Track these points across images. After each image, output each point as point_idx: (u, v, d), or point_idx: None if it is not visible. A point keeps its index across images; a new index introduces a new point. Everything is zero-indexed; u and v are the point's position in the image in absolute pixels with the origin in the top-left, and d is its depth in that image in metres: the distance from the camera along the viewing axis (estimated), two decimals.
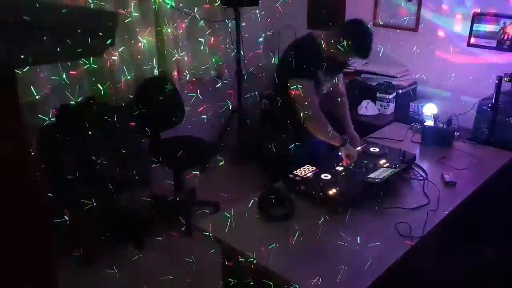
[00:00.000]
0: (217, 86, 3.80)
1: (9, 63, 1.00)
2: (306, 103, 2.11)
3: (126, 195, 2.96)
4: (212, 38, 3.72)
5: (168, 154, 3.10)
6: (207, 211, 3.12)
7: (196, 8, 3.52)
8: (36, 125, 2.59)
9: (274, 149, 2.27)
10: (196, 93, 3.64)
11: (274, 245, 1.62)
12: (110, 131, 2.73)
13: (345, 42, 2.04)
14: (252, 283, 1.64)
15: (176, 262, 2.69)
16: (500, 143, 2.56)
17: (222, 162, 3.46)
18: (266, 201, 1.85)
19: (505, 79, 2.69)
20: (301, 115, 2.13)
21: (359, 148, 2.31)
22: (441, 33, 3.30)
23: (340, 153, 2.17)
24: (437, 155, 2.41)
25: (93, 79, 3.00)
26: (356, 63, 3.66)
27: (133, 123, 2.91)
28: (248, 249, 1.62)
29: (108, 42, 1.14)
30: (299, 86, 2.09)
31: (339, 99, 2.46)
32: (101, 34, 1.11)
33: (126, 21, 3.06)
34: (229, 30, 3.73)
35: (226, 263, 1.77)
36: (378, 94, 3.39)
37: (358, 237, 1.68)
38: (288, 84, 2.13)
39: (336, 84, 2.44)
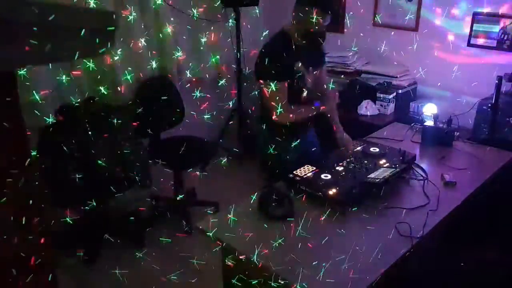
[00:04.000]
0: (217, 86, 3.80)
1: (9, 63, 1.00)
2: (275, 106, 2.13)
3: (126, 195, 2.96)
4: (212, 38, 3.72)
5: (168, 154, 3.10)
6: (207, 211, 3.13)
7: (196, 8, 3.52)
8: (36, 125, 2.59)
9: (271, 149, 2.27)
10: (196, 93, 3.64)
11: (274, 245, 1.63)
12: (110, 131, 2.73)
13: (309, 9, 2.06)
14: (252, 283, 1.64)
15: (176, 262, 2.69)
16: (500, 143, 2.56)
17: (224, 161, 3.47)
18: (266, 201, 1.85)
19: (505, 79, 2.69)
20: (274, 117, 2.15)
21: (359, 148, 2.31)
22: (441, 33, 3.30)
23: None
24: (437, 155, 2.41)
25: (93, 79, 3.00)
26: (356, 63, 3.66)
27: (133, 123, 2.91)
28: (248, 249, 1.62)
29: (108, 42, 1.14)
30: (268, 88, 2.11)
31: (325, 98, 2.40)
32: (100, 34, 1.11)
33: (126, 21, 3.07)
34: (229, 30, 3.73)
35: (226, 263, 1.77)
36: (378, 94, 3.39)
37: (358, 237, 1.68)
38: (261, 86, 2.16)
39: (319, 78, 2.41)
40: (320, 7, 2.07)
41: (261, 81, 2.15)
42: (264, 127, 2.31)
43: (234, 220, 1.78)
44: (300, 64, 2.20)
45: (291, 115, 2.17)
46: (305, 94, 2.28)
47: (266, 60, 2.11)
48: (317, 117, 2.38)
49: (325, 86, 2.46)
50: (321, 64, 2.42)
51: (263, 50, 2.20)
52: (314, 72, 2.34)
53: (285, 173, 2.07)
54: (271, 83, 2.10)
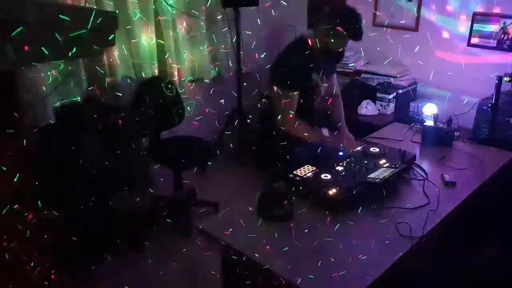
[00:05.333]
0: (217, 86, 3.80)
1: (9, 63, 1.00)
2: (283, 114, 2.18)
3: (126, 195, 2.96)
4: (212, 38, 3.72)
5: (168, 154, 3.10)
6: (207, 211, 3.13)
7: (196, 8, 3.52)
8: (36, 125, 2.59)
9: (270, 150, 2.29)
10: (196, 93, 3.64)
11: (274, 245, 1.63)
12: (110, 131, 2.73)
13: (337, 29, 2.08)
14: (252, 283, 1.64)
15: (176, 262, 2.69)
16: (500, 143, 2.56)
17: (224, 161, 3.46)
18: (266, 201, 1.85)
19: (505, 79, 2.69)
20: (278, 120, 2.20)
21: (359, 148, 2.31)
22: (441, 33, 3.30)
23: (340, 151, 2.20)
24: (437, 155, 2.41)
25: (93, 79, 3.00)
26: (357, 63, 3.66)
27: (133, 123, 2.91)
28: (248, 249, 1.62)
29: (108, 42, 1.14)
30: (280, 96, 2.15)
31: (335, 100, 2.49)
32: (101, 34, 1.11)
33: (126, 21, 3.07)
34: (229, 30, 3.73)
35: (226, 263, 1.77)
36: (378, 94, 3.39)
37: (358, 237, 1.68)
38: (273, 91, 2.19)
39: (330, 85, 2.47)
40: (349, 32, 2.12)
41: (275, 87, 2.18)
42: (265, 128, 2.32)
43: (234, 220, 1.78)
44: (315, 75, 2.23)
45: (292, 129, 2.22)
46: (317, 102, 2.34)
47: (283, 68, 2.15)
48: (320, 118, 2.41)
49: (335, 91, 2.52)
50: (333, 72, 2.48)
51: (281, 57, 2.23)
52: (328, 81, 2.39)
53: (285, 173, 2.07)
54: (283, 91, 2.15)
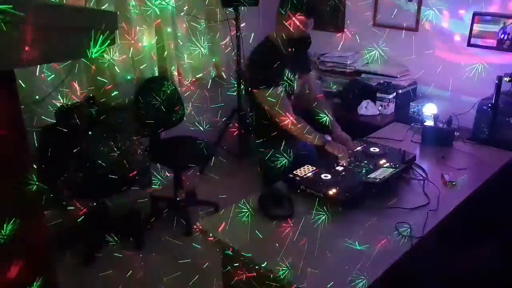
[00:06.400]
0: (217, 86, 3.80)
1: (9, 63, 1.00)
2: (279, 112, 2.11)
3: (126, 195, 2.96)
4: (212, 38, 3.72)
5: (168, 154, 3.10)
6: (207, 211, 3.13)
7: (196, 8, 3.52)
8: (36, 125, 2.59)
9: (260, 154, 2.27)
10: (196, 93, 3.64)
11: (274, 245, 1.63)
12: (110, 131, 2.73)
13: (291, 15, 2.02)
14: (251, 283, 1.64)
15: (176, 262, 2.69)
16: (500, 143, 2.56)
17: (224, 161, 3.46)
18: (266, 201, 1.85)
19: (505, 79, 2.69)
20: (281, 124, 2.13)
21: (359, 148, 2.31)
22: (441, 33, 3.30)
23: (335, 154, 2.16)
24: (437, 155, 2.41)
25: (93, 79, 3.00)
26: (357, 63, 3.66)
27: (133, 123, 2.91)
28: (248, 249, 1.62)
29: (108, 42, 1.14)
30: (267, 96, 2.09)
31: (318, 101, 2.42)
32: (101, 34, 1.11)
33: (126, 21, 3.07)
34: (229, 30, 3.73)
35: (226, 263, 1.77)
36: (378, 94, 3.39)
37: (358, 237, 1.68)
38: (257, 96, 2.13)
39: (309, 85, 2.41)
40: (302, 11, 2.04)
41: (255, 90, 2.12)
42: (257, 135, 2.31)
43: (234, 220, 1.78)
44: (287, 72, 2.20)
45: (293, 128, 2.14)
46: (291, 100, 2.27)
47: (258, 68, 2.10)
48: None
49: (316, 92, 2.44)
50: (308, 69, 2.42)
51: (251, 60, 2.17)
52: (301, 78, 2.33)
53: (286, 173, 2.07)
54: (266, 92, 2.09)
